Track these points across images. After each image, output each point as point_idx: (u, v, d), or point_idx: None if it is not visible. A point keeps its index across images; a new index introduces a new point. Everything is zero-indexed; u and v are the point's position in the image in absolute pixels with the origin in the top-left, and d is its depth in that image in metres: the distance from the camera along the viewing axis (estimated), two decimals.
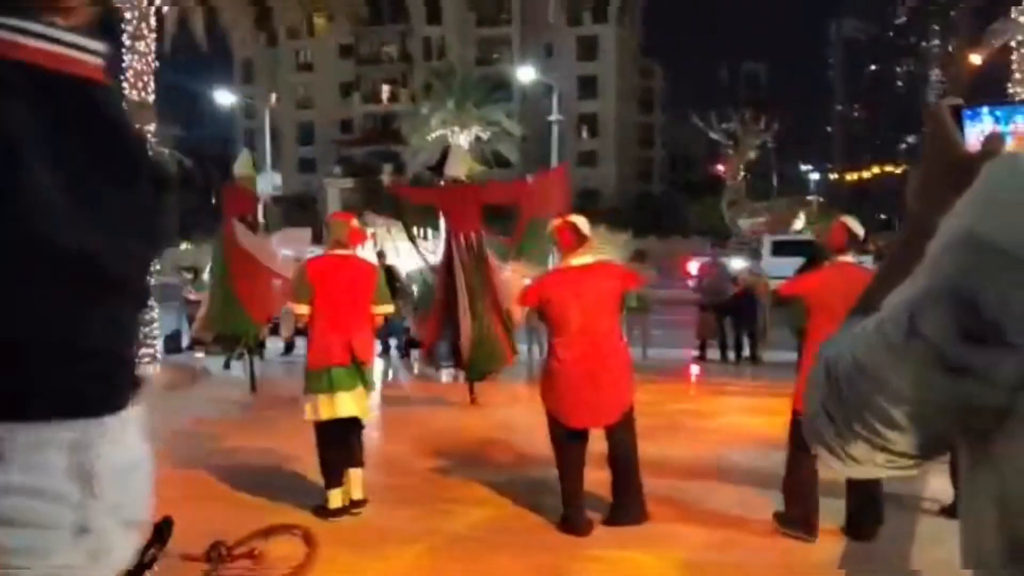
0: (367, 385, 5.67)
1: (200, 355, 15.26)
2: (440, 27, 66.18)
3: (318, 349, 5.60)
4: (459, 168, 10.85)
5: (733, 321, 13.51)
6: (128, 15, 14.00)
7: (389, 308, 5.94)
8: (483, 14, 66.91)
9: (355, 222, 5.99)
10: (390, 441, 8.09)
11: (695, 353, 13.98)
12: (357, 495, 5.69)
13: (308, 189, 59.17)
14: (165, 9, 15.86)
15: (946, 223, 0.82)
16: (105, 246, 0.98)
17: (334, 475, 5.59)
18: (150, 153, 1.15)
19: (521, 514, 5.66)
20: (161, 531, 4.32)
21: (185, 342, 15.71)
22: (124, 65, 14.10)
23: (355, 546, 5.03)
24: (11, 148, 0.89)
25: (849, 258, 5.11)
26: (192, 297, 15.76)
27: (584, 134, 65.23)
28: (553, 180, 11.14)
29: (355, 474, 5.70)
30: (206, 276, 13.84)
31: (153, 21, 14.52)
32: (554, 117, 36.64)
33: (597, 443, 5.40)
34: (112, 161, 1.00)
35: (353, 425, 5.72)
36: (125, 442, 1.03)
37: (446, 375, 11.17)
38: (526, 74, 43.94)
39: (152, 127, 14.49)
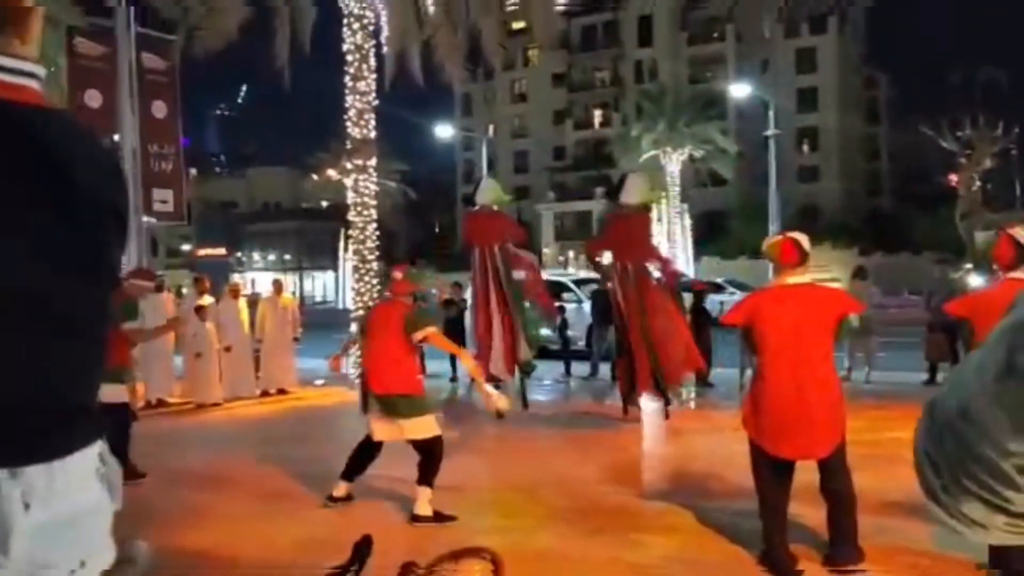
0: (397, 413, 6.11)
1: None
2: (651, 49, 65.92)
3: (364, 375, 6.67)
4: (634, 196, 10.74)
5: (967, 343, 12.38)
6: (349, 57, 14.96)
7: (425, 331, 6.23)
8: (695, 33, 65.98)
9: (398, 274, 6.53)
10: (580, 465, 8.01)
11: (924, 377, 12.95)
12: (418, 511, 6.08)
13: (523, 216, 60.66)
14: (385, 50, 16.83)
15: None
16: (19, 277, 0.86)
17: (348, 471, 6.52)
18: (108, 184, 0.98)
19: (716, 547, 5.40)
20: (361, 550, 4.45)
21: None
22: (347, 104, 15.08)
23: (537, 572, 4.99)
24: None
25: (1020, 274, 4.56)
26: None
27: (804, 148, 62.61)
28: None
29: (420, 492, 6.13)
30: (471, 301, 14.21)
31: (373, 62, 15.41)
32: (770, 132, 35.34)
33: (810, 474, 5.04)
34: (43, 189, 0.89)
35: (417, 447, 6.18)
36: (58, 494, 0.90)
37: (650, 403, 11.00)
38: (740, 90, 42.76)
39: (373, 161, 15.37)
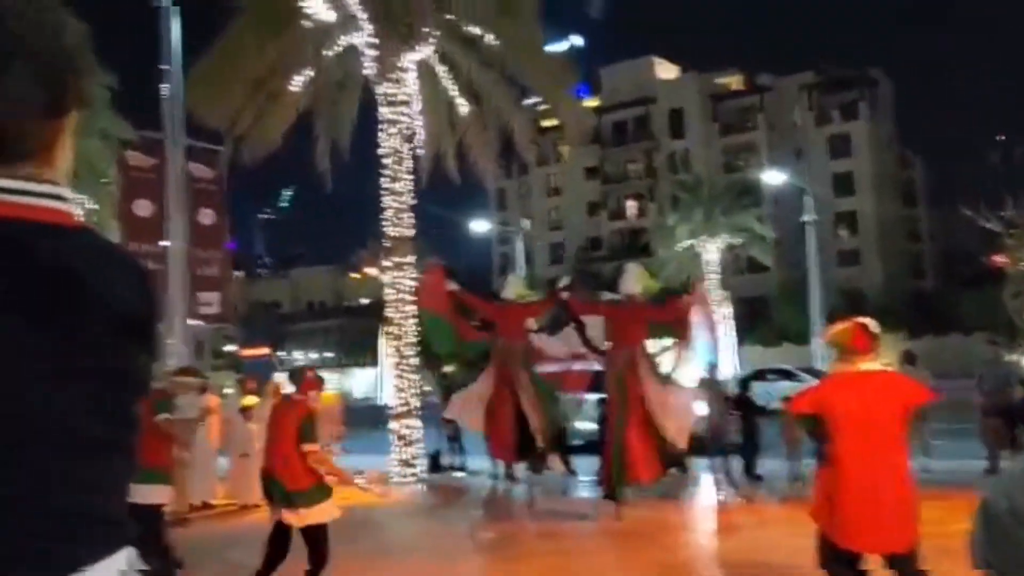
0: (289, 503, 6.58)
1: (459, 474, 15.76)
2: (683, 140, 66.87)
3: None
4: (633, 285, 11.06)
5: None
6: (386, 160, 15.35)
7: (307, 446, 6.59)
8: (727, 123, 66.88)
9: (311, 374, 7.28)
10: (631, 567, 7.77)
11: (986, 465, 12.52)
12: None
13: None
14: (420, 152, 17.25)
15: None
16: (17, 394, 0.89)
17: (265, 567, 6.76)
18: (131, 296, 1.01)
19: None
20: None
21: (445, 461, 16.28)
22: (384, 205, 15.40)
23: None
24: None
25: None
26: (448, 416, 16.37)
27: (843, 233, 62.43)
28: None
29: None
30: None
31: (409, 163, 15.79)
32: (807, 218, 35.37)
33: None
34: (43, 304, 0.91)
35: (305, 535, 6.59)
36: None
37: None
38: (774, 177, 43.04)
39: (410, 258, 15.58)
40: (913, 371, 13.53)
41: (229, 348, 61.64)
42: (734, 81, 69.87)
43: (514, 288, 12.29)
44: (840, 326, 5.02)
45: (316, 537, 6.62)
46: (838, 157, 62.65)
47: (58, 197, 0.98)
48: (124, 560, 0.98)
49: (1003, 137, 66.75)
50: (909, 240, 66.34)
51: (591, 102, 61.14)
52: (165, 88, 12.09)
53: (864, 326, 4.89)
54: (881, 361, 5.04)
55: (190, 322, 12.86)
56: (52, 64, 0.95)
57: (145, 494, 6.76)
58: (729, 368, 20.57)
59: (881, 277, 60.23)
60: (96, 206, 19.99)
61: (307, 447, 6.60)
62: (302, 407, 6.89)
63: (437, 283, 12.68)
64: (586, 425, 16.04)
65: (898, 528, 4.67)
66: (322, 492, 6.74)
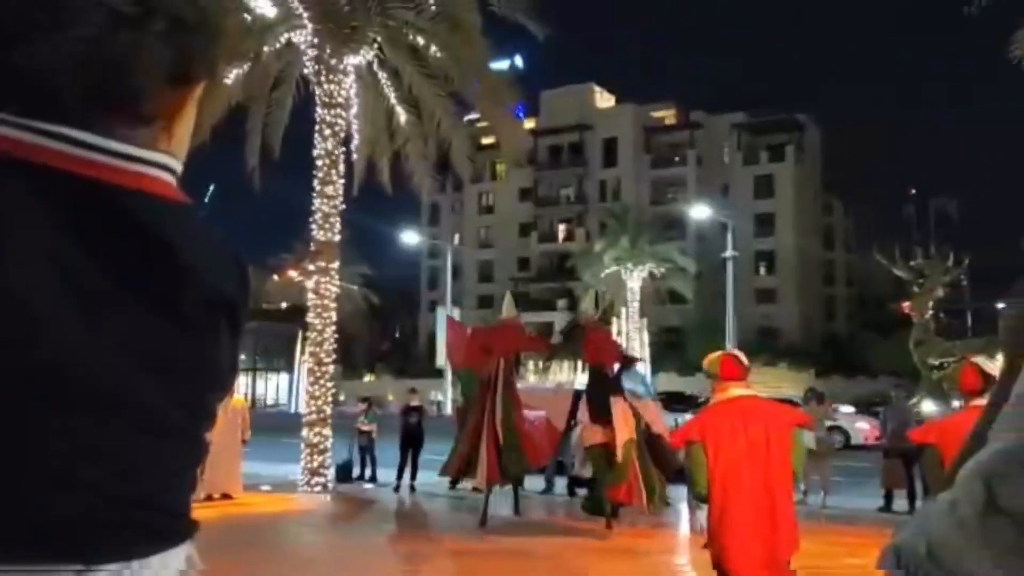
0: None
1: (368, 485, 15.56)
2: (616, 169, 67.81)
3: None
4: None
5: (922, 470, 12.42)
6: (319, 162, 15.15)
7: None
8: (658, 156, 68.10)
9: None
10: None
11: (880, 504, 12.92)
12: None
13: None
14: (354, 157, 17.10)
15: None
16: (100, 366, 0.84)
17: None
18: (227, 281, 0.98)
19: None
20: None
21: (355, 472, 16.05)
22: (313, 207, 15.19)
23: None
24: None
25: (983, 401, 4.62)
26: (364, 428, 16.18)
27: (762, 271, 64.01)
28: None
29: None
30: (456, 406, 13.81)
31: (342, 167, 15.62)
32: (728, 254, 36.17)
33: None
34: (138, 276, 0.87)
35: None
36: None
37: None
38: (700, 212, 43.97)
39: (335, 264, 15.40)
40: (818, 409, 13.95)
41: None
42: (668, 115, 71.19)
43: (508, 307, 12.27)
44: (711, 356, 5.16)
45: None
46: (762, 197, 64.31)
47: (167, 169, 0.93)
48: (183, 557, 0.93)
49: (914, 192, 70.16)
50: (825, 282, 68.35)
51: (528, 123, 61.59)
52: None
53: (734, 356, 5.08)
54: (774, 392, 5.20)
55: None
56: (188, 28, 0.89)
57: None
58: None
59: (796, 316, 61.86)
60: None
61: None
62: None
63: (459, 336, 12.41)
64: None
65: (783, 544, 4.77)
66: None
